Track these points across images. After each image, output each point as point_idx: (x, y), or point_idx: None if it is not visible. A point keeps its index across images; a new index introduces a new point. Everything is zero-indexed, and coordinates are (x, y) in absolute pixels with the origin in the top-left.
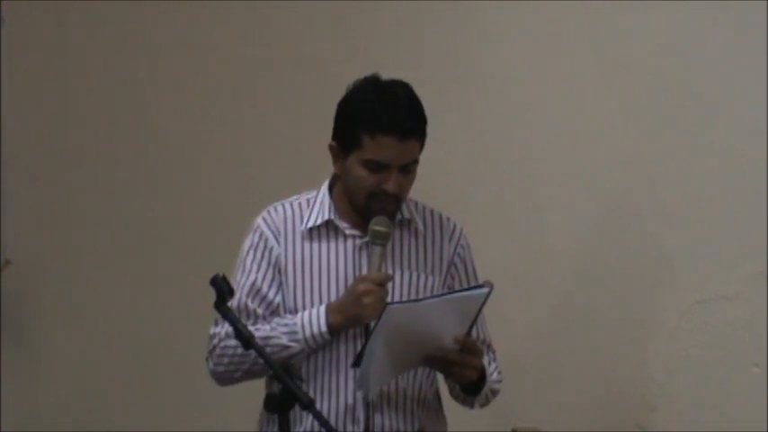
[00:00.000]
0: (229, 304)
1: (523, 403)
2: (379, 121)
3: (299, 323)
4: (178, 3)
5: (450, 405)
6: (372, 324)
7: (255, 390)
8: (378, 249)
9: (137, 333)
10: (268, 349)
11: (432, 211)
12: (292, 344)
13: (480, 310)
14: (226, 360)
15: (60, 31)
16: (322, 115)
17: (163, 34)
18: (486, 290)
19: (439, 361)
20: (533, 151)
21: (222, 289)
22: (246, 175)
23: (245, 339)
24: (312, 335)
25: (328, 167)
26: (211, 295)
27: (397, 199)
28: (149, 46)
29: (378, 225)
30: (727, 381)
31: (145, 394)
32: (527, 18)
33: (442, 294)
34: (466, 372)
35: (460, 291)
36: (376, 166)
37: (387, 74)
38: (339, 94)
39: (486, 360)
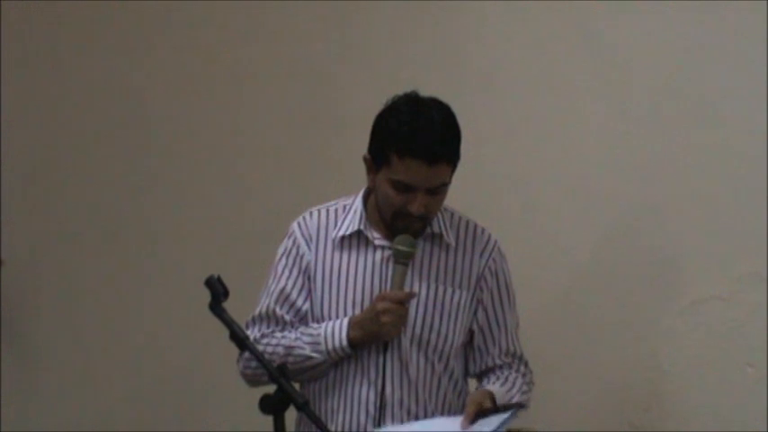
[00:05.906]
0: (258, 309)
1: None
2: (409, 143)
3: (323, 335)
4: (176, 3)
5: None
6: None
7: (253, 392)
8: (400, 268)
9: (132, 333)
10: (291, 359)
11: (467, 223)
12: (315, 354)
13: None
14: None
15: (57, 31)
16: (320, 115)
17: (160, 34)
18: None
19: None
20: (529, 152)
21: (216, 290)
22: (244, 175)
23: (240, 341)
24: (334, 347)
25: (325, 167)
26: (208, 296)
27: (423, 219)
28: (146, 46)
29: (400, 245)
30: (722, 381)
31: (142, 393)
32: (524, 19)
33: None
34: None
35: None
36: (403, 187)
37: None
38: (337, 93)
39: (511, 376)
